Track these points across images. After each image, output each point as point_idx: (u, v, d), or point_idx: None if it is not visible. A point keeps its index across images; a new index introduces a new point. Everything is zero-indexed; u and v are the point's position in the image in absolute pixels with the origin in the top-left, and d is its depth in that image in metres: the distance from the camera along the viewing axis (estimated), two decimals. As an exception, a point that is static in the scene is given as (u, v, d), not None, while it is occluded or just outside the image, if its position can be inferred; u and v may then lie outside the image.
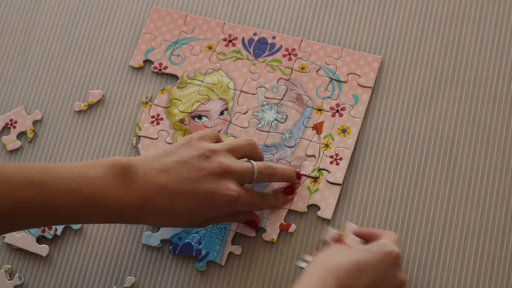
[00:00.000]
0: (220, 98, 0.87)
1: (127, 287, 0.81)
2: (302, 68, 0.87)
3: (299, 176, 0.82)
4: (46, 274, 0.83)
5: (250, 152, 0.79)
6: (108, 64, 0.90)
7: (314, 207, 0.82)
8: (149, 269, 0.81)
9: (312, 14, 0.89)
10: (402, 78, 0.85)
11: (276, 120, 0.85)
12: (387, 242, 0.74)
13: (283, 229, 0.81)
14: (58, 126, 0.89)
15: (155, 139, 0.86)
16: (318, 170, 0.82)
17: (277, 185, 0.82)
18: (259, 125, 0.85)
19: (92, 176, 0.71)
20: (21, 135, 0.89)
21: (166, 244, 0.82)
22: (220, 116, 0.86)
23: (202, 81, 0.88)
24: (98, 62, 0.91)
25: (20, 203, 0.68)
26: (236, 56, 0.88)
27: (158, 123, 0.87)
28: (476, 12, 0.87)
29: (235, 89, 0.87)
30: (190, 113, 0.87)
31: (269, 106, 0.86)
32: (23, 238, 0.84)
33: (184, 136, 0.85)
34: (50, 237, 0.84)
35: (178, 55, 0.89)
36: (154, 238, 0.82)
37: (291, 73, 0.87)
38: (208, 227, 0.81)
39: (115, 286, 0.81)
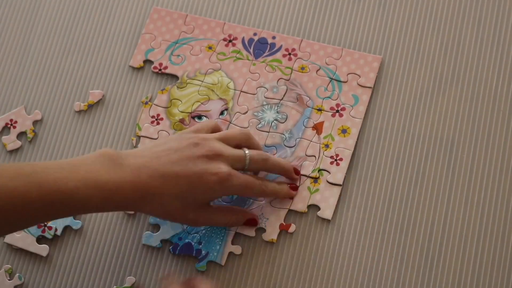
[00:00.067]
0: (220, 98, 0.87)
1: (127, 287, 0.81)
2: (302, 68, 0.87)
3: (297, 172, 0.81)
4: (46, 274, 0.83)
5: (244, 141, 0.79)
6: (108, 64, 0.90)
7: (314, 207, 0.82)
8: (149, 269, 0.81)
9: (312, 14, 0.89)
10: (402, 78, 0.85)
11: (276, 120, 0.85)
12: None
13: (283, 229, 0.81)
14: (58, 126, 0.89)
15: (155, 139, 0.86)
16: (318, 171, 0.82)
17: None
18: (259, 125, 0.85)
19: (82, 164, 0.72)
20: (21, 135, 0.89)
21: (166, 244, 0.82)
22: (220, 116, 0.86)
23: (202, 81, 0.88)
24: (98, 62, 0.91)
25: (12, 192, 0.68)
26: (236, 56, 0.88)
27: (158, 123, 0.87)
28: (476, 12, 0.87)
29: (235, 89, 0.87)
30: (190, 113, 0.87)
31: (269, 106, 0.86)
32: (23, 238, 0.84)
33: None
34: (50, 237, 0.84)
35: (178, 55, 0.89)
36: (154, 238, 0.82)
37: (291, 73, 0.87)
38: (207, 227, 0.81)
39: (115, 286, 0.81)
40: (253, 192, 0.79)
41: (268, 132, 0.85)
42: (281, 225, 0.81)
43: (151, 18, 0.91)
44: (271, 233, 0.81)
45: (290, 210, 0.82)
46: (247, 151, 0.77)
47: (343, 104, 0.85)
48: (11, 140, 0.88)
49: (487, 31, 0.86)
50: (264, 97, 0.86)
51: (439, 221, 0.80)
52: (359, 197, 0.81)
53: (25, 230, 0.84)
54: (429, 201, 0.81)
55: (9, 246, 0.84)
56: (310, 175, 0.82)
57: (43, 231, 0.84)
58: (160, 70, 0.89)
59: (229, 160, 0.76)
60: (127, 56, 0.90)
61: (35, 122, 0.89)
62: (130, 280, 0.81)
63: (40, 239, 0.84)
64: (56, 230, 0.84)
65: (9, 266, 0.84)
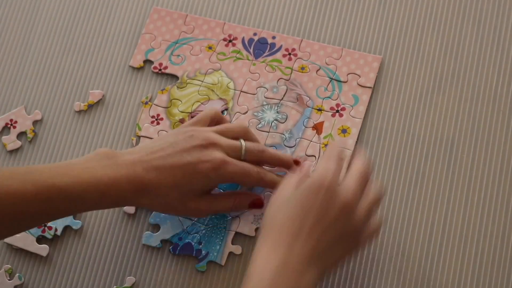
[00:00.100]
0: (220, 98, 0.87)
1: (127, 287, 0.81)
2: (302, 68, 0.87)
3: (298, 162, 0.80)
4: (46, 274, 0.83)
5: (242, 134, 0.79)
6: (108, 64, 0.90)
7: (314, 207, 0.81)
8: (149, 269, 0.81)
9: (312, 14, 0.89)
10: (402, 78, 0.85)
11: (276, 120, 0.85)
12: (321, 168, 0.70)
13: (283, 229, 0.81)
14: (58, 126, 0.89)
15: (155, 139, 0.86)
16: (318, 170, 0.82)
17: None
18: (259, 125, 0.85)
19: (77, 162, 0.73)
20: (21, 135, 0.89)
21: (166, 244, 0.82)
22: (220, 116, 0.86)
23: (202, 81, 0.88)
24: (98, 62, 0.91)
25: (7, 190, 0.69)
26: (236, 56, 0.88)
27: (158, 123, 0.87)
28: (476, 12, 0.87)
29: (235, 89, 0.87)
30: (190, 113, 0.87)
31: (269, 106, 0.86)
32: (23, 238, 0.84)
33: None
34: (50, 237, 0.84)
35: (178, 55, 0.89)
36: (154, 238, 0.82)
37: (291, 73, 0.87)
38: (208, 226, 0.81)
39: (115, 286, 0.81)
40: (251, 180, 0.77)
41: (268, 132, 0.85)
42: (281, 225, 0.81)
43: (151, 18, 0.91)
44: (271, 233, 0.81)
45: (290, 210, 0.82)
46: (243, 143, 0.77)
47: (343, 104, 0.85)
48: (11, 140, 0.88)
49: (487, 31, 0.86)
50: (264, 97, 0.86)
51: (439, 221, 0.80)
52: (359, 197, 0.81)
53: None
54: (429, 201, 0.81)
55: (9, 246, 0.84)
56: (310, 175, 0.82)
57: (43, 231, 0.84)
58: (160, 70, 0.89)
59: (224, 149, 0.76)
60: (127, 56, 0.90)
61: (35, 122, 0.89)
62: (130, 280, 0.81)
63: (40, 239, 0.84)
64: (56, 230, 0.84)
65: (9, 266, 0.84)
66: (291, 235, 0.68)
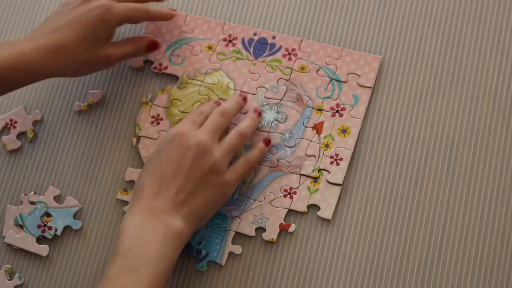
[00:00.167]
0: (220, 98, 0.87)
1: (127, 287, 0.81)
2: (302, 68, 0.87)
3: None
4: (46, 274, 0.83)
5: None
6: (108, 64, 0.90)
7: (314, 207, 0.82)
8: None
9: (312, 14, 0.89)
10: (402, 78, 0.85)
11: (276, 120, 0.85)
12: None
13: (283, 229, 0.81)
14: (58, 126, 0.89)
15: (155, 139, 0.86)
16: (318, 171, 0.82)
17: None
18: (259, 125, 0.85)
19: None
20: (21, 135, 0.89)
21: (166, 244, 0.82)
22: (220, 116, 0.86)
23: (202, 81, 0.88)
24: (98, 62, 0.91)
25: None
26: (236, 56, 0.88)
27: (158, 123, 0.87)
28: (476, 12, 0.87)
29: (235, 89, 0.87)
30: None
31: (269, 106, 0.86)
32: (23, 238, 0.84)
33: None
34: (50, 237, 0.84)
35: (178, 55, 0.89)
36: (154, 238, 0.82)
37: (291, 73, 0.87)
38: (208, 226, 0.81)
39: (115, 286, 0.81)
40: (140, 14, 0.86)
41: (268, 132, 0.85)
42: (281, 225, 0.81)
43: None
44: (271, 233, 0.81)
45: (290, 210, 0.82)
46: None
47: (343, 104, 0.85)
48: (11, 140, 0.88)
49: (487, 31, 0.86)
50: (264, 97, 0.86)
51: (439, 221, 0.80)
52: (359, 197, 0.81)
53: (25, 230, 0.84)
54: (429, 201, 0.81)
55: (9, 246, 0.84)
56: (310, 175, 0.82)
57: (43, 231, 0.84)
58: (160, 70, 0.89)
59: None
60: (127, 56, 0.91)
61: (35, 122, 0.89)
62: (130, 280, 0.81)
63: (40, 239, 0.84)
64: (56, 230, 0.84)
65: (9, 266, 0.84)
66: (152, 195, 0.76)
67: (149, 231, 0.74)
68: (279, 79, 0.87)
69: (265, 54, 0.88)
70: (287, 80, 0.86)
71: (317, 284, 0.79)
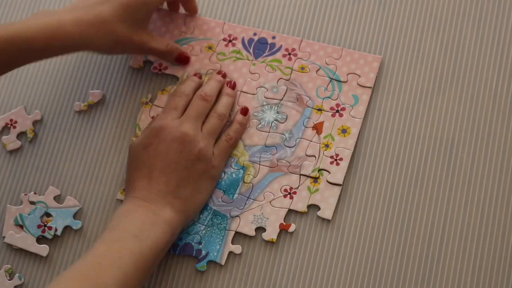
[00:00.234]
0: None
1: (127, 287, 0.81)
2: (302, 68, 0.87)
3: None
4: (46, 274, 0.83)
5: None
6: (108, 64, 0.90)
7: (314, 207, 0.82)
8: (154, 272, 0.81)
9: (312, 14, 0.89)
10: (402, 78, 0.85)
11: (276, 120, 0.85)
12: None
13: (283, 229, 0.81)
14: (58, 126, 0.89)
15: (155, 139, 0.86)
16: (318, 171, 0.82)
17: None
18: (259, 125, 0.85)
19: (17, 21, 0.80)
20: (21, 135, 0.89)
21: (166, 244, 0.82)
22: (220, 116, 0.86)
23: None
24: (98, 62, 0.91)
25: None
26: (236, 56, 0.88)
27: (158, 123, 0.87)
28: (476, 12, 0.87)
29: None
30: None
31: (269, 106, 0.86)
32: (23, 238, 0.84)
33: None
34: (50, 237, 0.84)
35: (178, 55, 0.89)
36: (154, 238, 0.82)
37: (291, 73, 0.87)
38: (208, 226, 0.81)
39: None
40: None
41: (268, 132, 0.85)
42: (281, 224, 0.81)
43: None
44: (271, 233, 0.81)
45: (290, 210, 0.82)
46: None
47: (343, 104, 0.85)
48: (11, 140, 0.88)
49: (487, 31, 0.86)
50: (264, 97, 0.86)
51: (439, 221, 0.80)
52: (359, 197, 0.81)
53: (25, 230, 0.84)
54: (429, 201, 0.81)
55: (9, 246, 0.84)
56: (310, 175, 0.82)
57: (43, 231, 0.84)
58: (160, 70, 0.89)
59: None
60: (127, 56, 0.90)
61: (35, 122, 0.89)
62: (130, 280, 0.81)
63: (40, 239, 0.84)
64: (56, 230, 0.84)
65: (9, 266, 0.84)
66: (142, 189, 0.78)
67: (139, 215, 0.76)
68: (279, 79, 0.87)
69: (265, 54, 0.88)
70: (287, 80, 0.86)
71: (317, 284, 0.79)
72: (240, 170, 0.84)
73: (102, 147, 0.87)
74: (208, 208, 0.82)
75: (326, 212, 0.81)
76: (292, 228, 0.81)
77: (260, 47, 0.88)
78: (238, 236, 0.81)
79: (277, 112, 0.85)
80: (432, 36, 0.86)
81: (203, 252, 0.81)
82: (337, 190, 0.82)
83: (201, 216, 0.82)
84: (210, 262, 0.81)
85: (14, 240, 0.84)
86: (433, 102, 0.84)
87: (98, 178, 0.86)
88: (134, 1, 0.82)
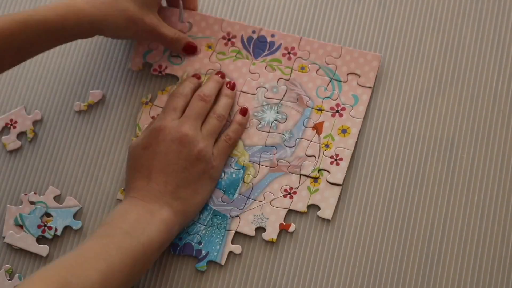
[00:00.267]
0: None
1: (127, 287, 0.81)
2: (302, 68, 0.87)
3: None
4: (46, 274, 0.83)
5: None
6: (108, 64, 0.90)
7: (314, 207, 0.82)
8: (149, 269, 0.81)
9: (312, 13, 0.89)
10: (402, 78, 0.85)
11: (276, 120, 0.85)
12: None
13: (283, 229, 0.81)
14: (58, 126, 0.89)
15: (155, 139, 0.86)
16: (318, 171, 0.82)
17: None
18: (259, 125, 0.85)
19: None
20: (21, 135, 0.89)
21: (166, 244, 0.82)
22: (220, 116, 0.86)
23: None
24: (98, 62, 0.91)
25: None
26: (235, 56, 0.88)
27: (158, 123, 0.87)
28: (476, 12, 0.87)
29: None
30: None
31: (269, 106, 0.86)
32: (23, 238, 0.84)
33: None
34: (50, 237, 0.84)
35: (177, 55, 0.89)
36: (154, 238, 0.82)
37: (291, 73, 0.87)
38: (208, 226, 0.81)
39: (115, 286, 0.81)
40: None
41: (268, 132, 0.85)
42: (281, 224, 0.81)
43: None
44: (271, 233, 0.81)
45: (290, 210, 0.82)
46: None
47: (343, 104, 0.85)
48: (11, 140, 0.88)
49: (487, 31, 0.86)
50: (264, 97, 0.86)
51: (439, 221, 0.80)
52: (359, 197, 0.81)
53: (25, 230, 0.84)
54: (429, 201, 0.81)
55: (9, 246, 0.84)
56: (310, 175, 0.82)
57: (43, 231, 0.84)
58: (160, 72, 0.89)
59: None
60: (127, 56, 0.90)
61: (35, 122, 0.89)
62: (130, 280, 0.81)
63: (40, 239, 0.84)
64: (56, 230, 0.84)
65: (9, 266, 0.84)
66: (141, 189, 0.78)
67: (135, 214, 0.76)
68: (279, 79, 0.87)
69: (264, 54, 0.88)
70: (287, 80, 0.86)
71: (317, 284, 0.79)
72: (240, 170, 0.84)
73: (102, 147, 0.87)
74: (208, 208, 0.82)
75: (326, 212, 0.81)
76: (292, 228, 0.81)
77: (260, 46, 0.88)
78: (238, 236, 0.81)
79: (277, 112, 0.85)
80: (432, 36, 0.86)
81: (203, 252, 0.81)
82: (337, 190, 0.82)
83: (201, 216, 0.82)
84: (210, 262, 0.81)
85: (14, 240, 0.84)
86: (433, 102, 0.84)
87: (98, 178, 0.86)
88: None
